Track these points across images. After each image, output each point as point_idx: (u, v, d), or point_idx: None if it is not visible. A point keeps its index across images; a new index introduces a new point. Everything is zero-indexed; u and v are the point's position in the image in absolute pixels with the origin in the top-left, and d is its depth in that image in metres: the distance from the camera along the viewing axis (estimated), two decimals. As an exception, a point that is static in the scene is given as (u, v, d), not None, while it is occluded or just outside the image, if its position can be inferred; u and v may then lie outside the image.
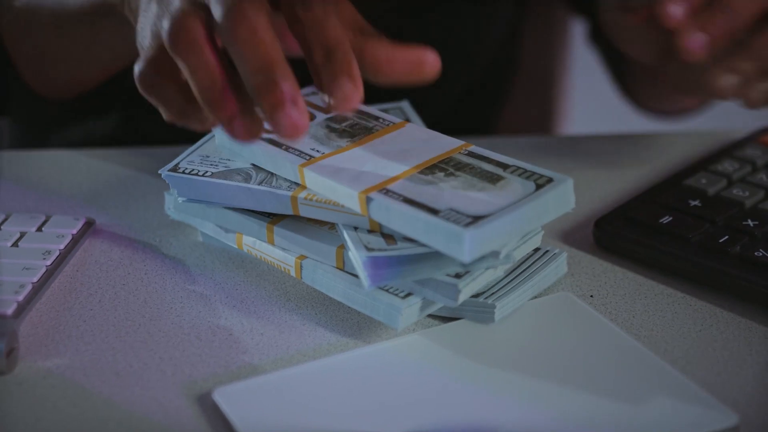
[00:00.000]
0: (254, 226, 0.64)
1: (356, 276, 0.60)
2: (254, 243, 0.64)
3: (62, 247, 0.66)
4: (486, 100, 1.03)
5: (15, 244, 0.66)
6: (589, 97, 1.52)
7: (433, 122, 0.90)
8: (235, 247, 0.65)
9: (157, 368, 0.58)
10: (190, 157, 0.66)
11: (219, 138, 0.66)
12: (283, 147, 0.63)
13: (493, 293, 0.60)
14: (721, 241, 0.62)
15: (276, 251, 0.63)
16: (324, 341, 0.59)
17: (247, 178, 0.63)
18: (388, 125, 0.65)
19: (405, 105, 0.72)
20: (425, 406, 0.54)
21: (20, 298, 0.61)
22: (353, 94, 0.56)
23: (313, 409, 0.55)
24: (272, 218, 0.63)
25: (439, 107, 0.97)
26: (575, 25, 1.13)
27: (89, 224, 0.68)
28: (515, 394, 0.55)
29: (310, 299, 0.62)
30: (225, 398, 0.55)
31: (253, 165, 0.64)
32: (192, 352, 0.59)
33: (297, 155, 0.62)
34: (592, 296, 0.62)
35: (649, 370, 0.56)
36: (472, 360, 0.57)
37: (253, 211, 0.64)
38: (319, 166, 0.61)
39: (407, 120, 0.70)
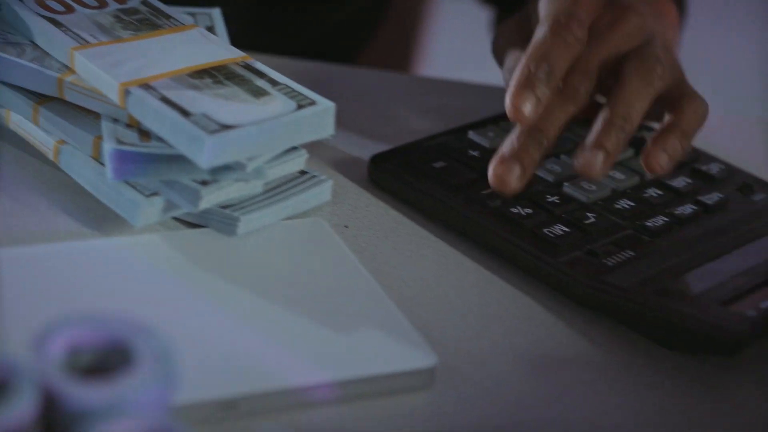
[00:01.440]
0: (21, 103, 0.62)
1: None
2: (20, 121, 0.63)
3: None
4: (352, 35, 1.02)
5: None
6: (453, 42, 1.51)
7: (295, 51, 0.89)
8: (3, 122, 0.64)
9: None
10: (-30, 25, 0.64)
11: (1, 8, 0.64)
12: (62, 28, 0.62)
13: (243, 207, 0.59)
14: (484, 192, 0.62)
15: (39, 132, 0.62)
16: (63, 227, 0.58)
17: (21, 53, 0.62)
18: (176, 26, 0.64)
19: (215, 13, 0.71)
20: (131, 304, 0.54)
21: None
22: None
23: (21, 293, 0.54)
24: (41, 99, 0.62)
25: (305, 39, 0.97)
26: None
27: None
28: (228, 306, 0.54)
29: (63, 185, 0.61)
30: (-61, 266, 0.54)
31: (33, 42, 0.63)
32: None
33: (72, 38, 0.61)
34: (346, 227, 0.62)
35: (370, 303, 0.56)
36: (202, 269, 0.57)
37: (25, 89, 0.62)
38: (91, 52, 0.60)
39: (211, 27, 0.69)
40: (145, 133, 0.58)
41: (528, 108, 0.60)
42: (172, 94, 0.57)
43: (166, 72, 0.59)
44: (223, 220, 0.59)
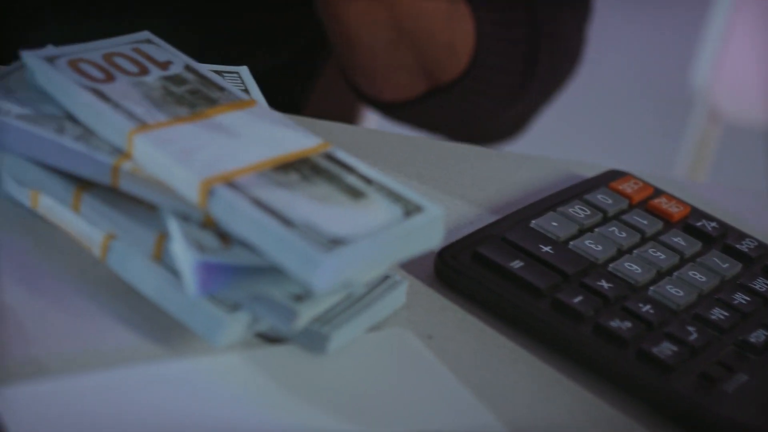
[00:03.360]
0: (58, 187, 0.53)
1: (176, 273, 0.51)
2: (54, 206, 0.54)
3: None
4: (294, 77, 0.93)
5: None
6: None
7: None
8: (28, 205, 0.55)
9: None
10: (-10, 89, 0.55)
11: (30, 71, 0.55)
12: (110, 103, 0.53)
13: (329, 321, 0.52)
14: (576, 301, 0.57)
15: (80, 223, 0.53)
16: (126, 343, 0.50)
17: (61, 130, 0.53)
18: (234, 101, 0.56)
19: (244, 71, 0.63)
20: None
21: None
22: None
23: (108, 427, 0.46)
24: (82, 183, 0.53)
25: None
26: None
27: None
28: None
29: (112, 286, 0.53)
30: (5, 402, 0.45)
31: (68, 114, 0.54)
32: (-35, 333, 0.49)
33: (127, 117, 0.53)
34: (430, 337, 0.55)
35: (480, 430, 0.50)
36: (293, 393, 0.50)
37: (61, 170, 0.54)
38: (155, 137, 0.52)
39: (244, 90, 0.61)
40: (223, 235, 0.51)
41: None
42: (264, 196, 0.50)
43: (248, 165, 0.51)
44: (310, 336, 0.52)
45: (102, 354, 0.49)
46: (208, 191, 0.50)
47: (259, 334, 0.52)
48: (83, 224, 0.53)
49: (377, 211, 0.51)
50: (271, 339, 0.52)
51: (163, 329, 0.51)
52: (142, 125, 0.52)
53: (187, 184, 0.50)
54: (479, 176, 0.70)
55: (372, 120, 1.06)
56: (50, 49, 0.56)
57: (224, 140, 0.53)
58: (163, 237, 0.51)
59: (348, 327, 0.53)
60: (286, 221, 0.49)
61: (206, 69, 0.58)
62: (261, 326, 0.51)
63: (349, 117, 1.07)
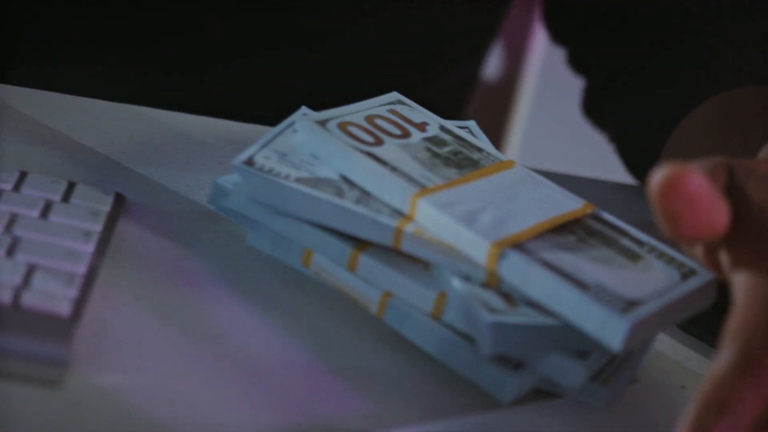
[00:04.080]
0: (335, 247, 0.56)
1: (457, 331, 0.53)
2: (327, 265, 0.56)
3: (100, 228, 0.56)
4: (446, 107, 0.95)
5: (43, 216, 0.56)
6: (547, 124, 1.41)
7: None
8: (297, 263, 0.57)
9: (235, 406, 0.50)
10: (263, 151, 0.57)
11: (303, 135, 0.57)
12: (389, 167, 0.56)
13: (598, 375, 0.55)
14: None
15: (356, 281, 0.56)
16: (412, 399, 0.53)
17: (339, 193, 0.56)
18: (494, 161, 0.59)
19: (473, 125, 0.65)
20: None
21: (74, 292, 0.51)
22: None
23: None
24: (358, 243, 0.56)
25: None
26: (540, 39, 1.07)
27: (120, 201, 0.59)
28: None
29: (388, 341, 0.55)
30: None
31: (343, 177, 0.56)
32: (269, 392, 0.51)
33: (407, 181, 0.55)
34: (683, 387, 0.58)
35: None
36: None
37: (335, 231, 0.56)
38: (437, 200, 0.54)
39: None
40: (507, 296, 0.53)
41: None
42: (552, 259, 0.52)
43: (529, 228, 0.54)
44: (586, 391, 0.54)
45: (391, 414, 0.52)
46: (499, 254, 0.52)
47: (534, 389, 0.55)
48: (359, 283, 0.55)
49: (657, 274, 0.53)
50: (544, 393, 0.55)
51: (443, 382, 0.54)
52: (423, 189, 0.55)
53: (475, 246, 0.53)
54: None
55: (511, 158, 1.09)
56: (314, 113, 0.58)
57: (500, 203, 0.55)
58: (443, 296, 0.54)
59: (616, 381, 0.55)
60: (581, 284, 0.51)
61: (463, 132, 0.60)
62: (537, 381, 0.54)
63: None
